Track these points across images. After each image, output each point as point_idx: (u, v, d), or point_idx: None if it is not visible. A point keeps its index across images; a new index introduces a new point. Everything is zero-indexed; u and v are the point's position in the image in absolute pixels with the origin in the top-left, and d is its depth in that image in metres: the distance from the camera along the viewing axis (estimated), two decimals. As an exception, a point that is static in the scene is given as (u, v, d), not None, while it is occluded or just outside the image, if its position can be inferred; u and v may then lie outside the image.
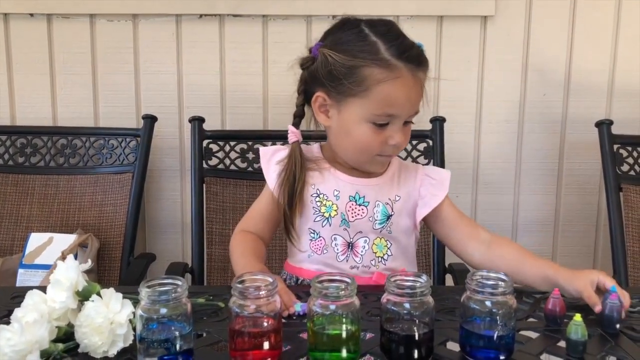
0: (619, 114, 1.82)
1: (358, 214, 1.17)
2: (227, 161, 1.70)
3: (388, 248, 1.19)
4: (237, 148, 1.70)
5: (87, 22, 1.80)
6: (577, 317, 0.88)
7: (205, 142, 1.69)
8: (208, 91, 1.83)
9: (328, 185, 1.19)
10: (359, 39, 1.11)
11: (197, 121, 1.68)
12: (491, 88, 1.84)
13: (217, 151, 1.70)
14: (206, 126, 1.69)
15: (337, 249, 1.18)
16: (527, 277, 1.11)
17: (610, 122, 1.70)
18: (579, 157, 1.87)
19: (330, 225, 1.18)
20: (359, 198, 1.18)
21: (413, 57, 1.10)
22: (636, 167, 1.70)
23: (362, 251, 1.18)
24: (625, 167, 1.69)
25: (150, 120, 1.74)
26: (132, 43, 1.81)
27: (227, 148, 1.70)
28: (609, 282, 1.00)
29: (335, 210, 1.17)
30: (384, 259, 1.19)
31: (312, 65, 1.14)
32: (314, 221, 1.18)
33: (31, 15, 1.80)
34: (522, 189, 1.90)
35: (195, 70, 1.82)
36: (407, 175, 1.22)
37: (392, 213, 1.18)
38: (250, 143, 1.70)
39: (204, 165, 1.68)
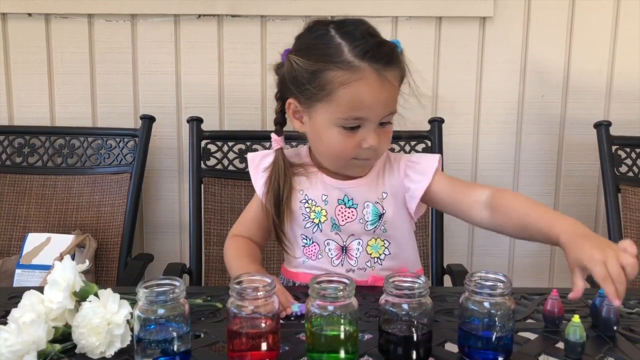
0: (617, 115, 1.82)
1: (348, 217, 1.16)
2: (225, 161, 1.70)
3: (385, 247, 1.18)
4: (236, 148, 1.70)
5: (85, 22, 1.80)
6: (576, 318, 0.88)
7: (203, 143, 1.69)
8: (206, 91, 1.83)
9: (316, 190, 1.17)
10: (323, 42, 1.08)
11: (195, 121, 1.68)
12: (490, 89, 1.84)
13: (215, 151, 1.69)
14: (204, 126, 1.69)
15: (331, 254, 1.17)
16: (533, 237, 1.05)
17: (609, 124, 1.70)
18: (578, 159, 1.87)
19: (321, 231, 1.17)
20: (348, 200, 1.16)
21: (379, 56, 1.06)
22: (634, 168, 1.70)
23: (356, 254, 1.17)
24: (623, 169, 1.69)
25: (148, 120, 1.73)
26: (130, 43, 1.81)
27: (225, 148, 1.70)
28: (601, 283, 0.86)
29: (325, 216, 1.16)
30: (380, 259, 1.18)
31: (282, 72, 1.13)
32: (305, 227, 1.17)
33: (29, 15, 1.79)
34: (521, 190, 1.89)
35: (193, 70, 1.82)
36: (391, 169, 1.18)
37: (384, 211, 1.16)
38: (248, 143, 1.70)
39: (202, 166, 1.68)
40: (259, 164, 1.22)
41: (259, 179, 1.21)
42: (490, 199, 1.09)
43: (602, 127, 1.69)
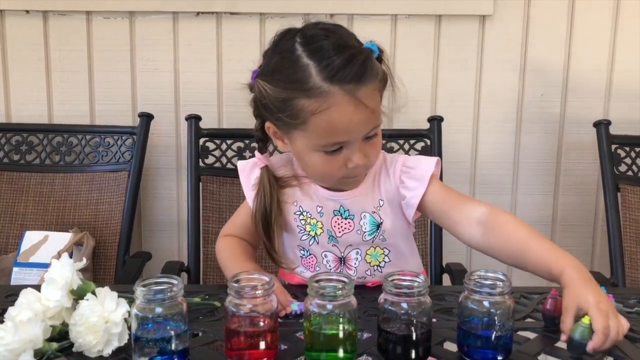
0: (616, 114, 1.82)
1: (345, 228, 1.12)
2: (224, 159, 1.69)
3: (385, 255, 1.14)
4: (234, 146, 1.70)
5: (83, 19, 1.79)
6: (586, 319, 0.86)
7: (201, 141, 1.68)
8: (205, 89, 1.82)
9: (310, 202, 1.13)
10: (289, 65, 1.00)
11: (193, 119, 1.67)
12: (489, 88, 1.84)
13: (214, 149, 1.69)
14: (203, 124, 1.69)
15: (329, 265, 1.15)
16: (527, 268, 1.01)
17: (608, 122, 1.70)
18: (577, 157, 1.87)
19: (317, 243, 1.13)
20: (344, 211, 1.12)
21: (351, 75, 0.97)
22: (634, 167, 1.70)
23: (355, 263, 1.14)
24: (623, 167, 1.69)
25: (147, 118, 1.73)
26: (128, 40, 1.80)
27: (224, 146, 1.69)
28: (598, 331, 0.86)
29: (321, 228, 1.12)
30: (380, 267, 1.15)
31: (254, 93, 1.07)
32: (301, 240, 1.14)
33: (27, 12, 1.79)
34: (520, 189, 1.89)
35: (192, 68, 1.82)
36: (387, 174, 1.13)
37: (381, 221, 1.11)
38: (247, 141, 1.70)
39: (201, 164, 1.68)
40: (249, 174, 1.17)
41: (250, 190, 1.16)
42: (487, 217, 1.04)
43: (601, 126, 1.69)
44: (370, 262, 1.14)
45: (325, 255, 1.14)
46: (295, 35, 1.02)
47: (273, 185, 1.12)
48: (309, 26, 1.04)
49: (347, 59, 0.98)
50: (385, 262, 1.15)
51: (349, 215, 1.12)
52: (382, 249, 1.14)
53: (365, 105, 0.99)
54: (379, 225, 1.12)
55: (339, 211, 1.12)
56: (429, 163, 1.12)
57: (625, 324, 0.88)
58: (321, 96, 0.98)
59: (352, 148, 1.02)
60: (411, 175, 1.11)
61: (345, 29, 1.05)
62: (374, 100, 1.01)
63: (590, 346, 0.85)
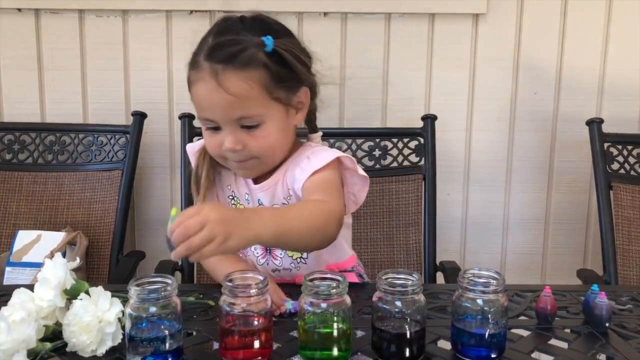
0: (609, 113, 1.82)
1: None
2: (218, 158, 1.69)
3: None
4: (228, 145, 1.69)
5: (76, 17, 1.78)
6: (174, 210, 0.86)
7: (195, 139, 1.68)
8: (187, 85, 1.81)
9: (241, 188, 1.18)
10: (201, 41, 1.08)
11: (187, 118, 1.67)
12: (482, 86, 1.84)
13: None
14: (196, 123, 1.68)
15: (257, 253, 1.18)
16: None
17: (601, 121, 1.70)
18: (570, 155, 1.88)
19: None
20: (261, 203, 1.14)
21: (221, 56, 1.02)
22: (626, 165, 1.70)
23: (280, 254, 1.15)
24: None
25: (140, 117, 1.72)
26: (121, 39, 1.79)
27: (218, 145, 1.69)
28: None
29: None
30: (303, 259, 1.15)
31: None
32: None
33: (19, 10, 1.78)
34: (513, 187, 1.90)
35: (185, 66, 1.80)
36: (294, 165, 1.13)
37: None
38: (240, 140, 1.69)
39: (194, 163, 1.67)
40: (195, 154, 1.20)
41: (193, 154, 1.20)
42: None
43: (594, 124, 1.70)
44: (292, 256, 1.15)
45: None
46: (220, 21, 1.10)
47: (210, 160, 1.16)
48: (244, 14, 1.11)
49: (224, 42, 1.04)
50: (307, 253, 1.14)
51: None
52: None
53: (234, 86, 1.01)
54: None
55: (260, 202, 1.15)
56: (321, 158, 1.09)
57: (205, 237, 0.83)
58: (195, 68, 1.05)
59: (226, 130, 1.06)
60: (302, 167, 1.10)
61: (263, 20, 1.10)
62: (241, 88, 1.02)
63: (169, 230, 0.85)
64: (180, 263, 1.63)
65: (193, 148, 1.22)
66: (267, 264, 1.17)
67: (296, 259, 1.15)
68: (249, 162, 1.10)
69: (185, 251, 0.83)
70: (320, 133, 1.23)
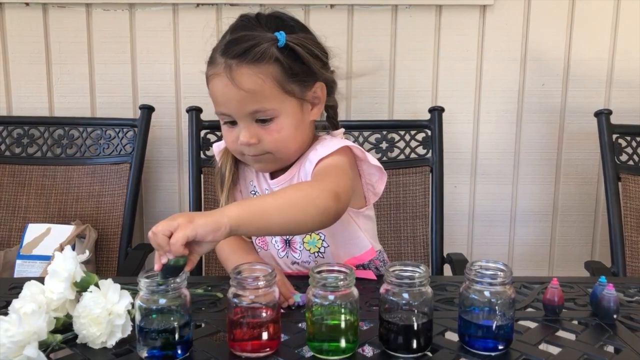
0: (617, 104, 1.81)
1: None
2: (225, 151, 1.69)
3: (322, 240, 1.15)
4: (235, 138, 1.70)
5: (83, 11, 1.79)
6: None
7: (202, 133, 1.68)
8: (205, 81, 1.82)
9: (262, 184, 1.19)
10: (221, 38, 1.11)
11: (194, 111, 1.67)
12: (490, 78, 1.83)
13: (215, 141, 1.69)
14: (203, 116, 1.69)
15: (277, 246, 1.19)
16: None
17: (609, 112, 1.70)
18: (578, 147, 1.87)
19: None
20: None
21: (235, 51, 1.04)
22: (635, 156, 1.70)
23: (299, 247, 1.16)
24: (624, 157, 1.69)
25: (148, 110, 1.73)
26: (128, 32, 1.80)
27: (225, 138, 1.69)
28: None
29: None
30: (320, 253, 1.16)
31: None
32: None
33: (27, 4, 1.78)
34: (521, 179, 1.89)
35: (192, 59, 1.81)
36: (308, 160, 1.12)
37: None
38: (248, 133, 1.69)
39: (202, 156, 1.68)
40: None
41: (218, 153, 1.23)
42: None
43: (602, 115, 1.69)
44: (310, 250, 1.16)
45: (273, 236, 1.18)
46: (240, 18, 1.11)
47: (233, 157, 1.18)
48: (263, 11, 1.12)
49: (238, 38, 1.06)
50: (324, 247, 1.16)
51: None
52: (318, 235, 1.15)
53: (247, 81, 1.04)
54: None
55: None
56: (332, 145, 1.10)
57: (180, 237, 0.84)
58: (212, 64, 1.08)
59: (241, 124, 1.08)
60: (310, 159, 1.10)
61: (278, 17, 1.10)
62: (254, 82, 1.04)
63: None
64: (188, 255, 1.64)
65: (218, 147, 1.24)
66: (287, 257, 1.18)
67: (314, 252, 1.16)
68: (264, 156, 1.11)
69: (155, 245, 0.85)
70: (342, 130, 1.23)
